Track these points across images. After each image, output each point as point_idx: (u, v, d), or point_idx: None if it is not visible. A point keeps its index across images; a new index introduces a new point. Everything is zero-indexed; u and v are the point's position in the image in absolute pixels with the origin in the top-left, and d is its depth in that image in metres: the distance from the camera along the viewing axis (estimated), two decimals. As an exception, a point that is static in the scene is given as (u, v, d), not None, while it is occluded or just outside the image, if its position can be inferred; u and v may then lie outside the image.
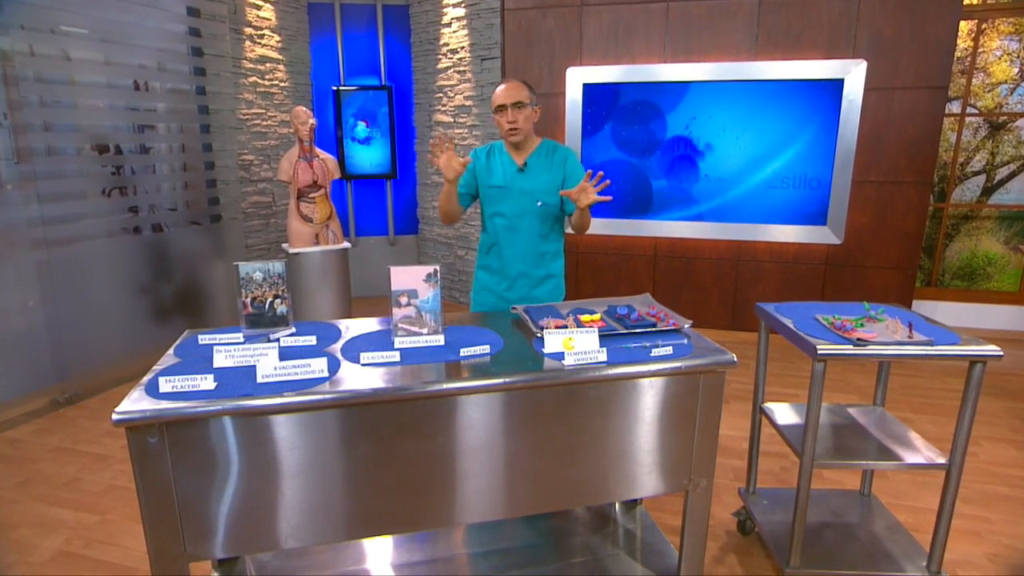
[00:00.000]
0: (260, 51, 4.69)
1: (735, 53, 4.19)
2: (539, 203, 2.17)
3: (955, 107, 4.57)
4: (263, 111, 4.79)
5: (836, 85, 3.99)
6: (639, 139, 4.44)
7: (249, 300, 1.71)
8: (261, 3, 4.67)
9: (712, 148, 4.32)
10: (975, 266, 4.78)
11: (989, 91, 4.52)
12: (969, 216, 4.74)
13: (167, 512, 1.34)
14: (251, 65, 4.63)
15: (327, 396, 1.37)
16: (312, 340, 1.71)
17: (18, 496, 2.56)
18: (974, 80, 4.51)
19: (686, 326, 1.79)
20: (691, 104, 4.29)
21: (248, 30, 4.58)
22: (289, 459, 1.39)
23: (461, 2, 4.81)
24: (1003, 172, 4.62)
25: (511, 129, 2.13)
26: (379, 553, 1.95)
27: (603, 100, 4.45)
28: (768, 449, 2.86)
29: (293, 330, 1.77)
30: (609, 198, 2.01)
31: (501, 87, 2.13)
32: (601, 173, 1.97)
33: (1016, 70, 4.44)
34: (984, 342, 1.70)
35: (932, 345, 1.70)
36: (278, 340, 1.68)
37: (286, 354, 1.56)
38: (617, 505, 2.21)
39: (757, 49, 4.15)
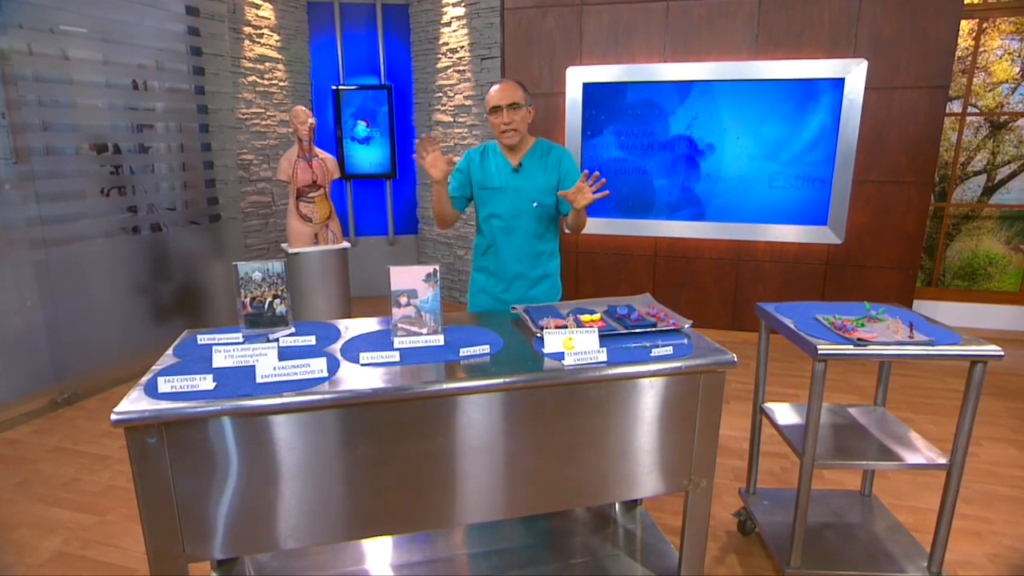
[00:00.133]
0: (259, 50, 4.69)
1: (735, 52, 4.18)
2: (535, 203, 2.16)
3: (956, 106, 4.56)
4: (262, 110, 4.78)
5: (837, 84, 3.99)
6: (639, 139, 4.44)
7: (248, 300, 1.70)
8: (260, 2, 4.66)
9: (712, 147, 4.31)
10: (976, 266, 4.78)
11: (990, 90, 4.52)
12: (970, 216, 4.73)
13: (166, 513, 1.33)
14: (250, 64, 4.62)
15: (326, 396, 1.37)
16: (311, 340, 1.70)
17: (16, 496, 2.56)
18: (975, 79, 4.51)
19: (686, 326, 1.78)
20: (691, 104, 4.29)
21: (247, 29, 4.57)
22: (288, 459, 1.39)
23: (461, 1, 4.80)
24: (1004, 172, 4.62)
25: (506, 131, 2.11)
26: (379, 554, 1.95)
27: (603, 100, 4.44)
28: (768, 449, 2.86)
29: (292, 330, 1.76)
30: (607, 193, 1.99)
31: (495, 88, 2.10)
32: (597, 173, 1.96)
33: (1017, 69, 4.43)
34: (985, 342, 1.70)
35: (933, 345, 1.69)
36: (277, 340, 1.67)
37: (285, 354, 1.56)
38: (617, 505, 2.21)
39: (757, 48, 4.14)
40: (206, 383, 1.36)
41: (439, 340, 1.67)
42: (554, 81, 4.52)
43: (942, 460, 1.82)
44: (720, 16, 4.17)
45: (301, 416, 1.37)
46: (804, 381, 3.70)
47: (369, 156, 5.45)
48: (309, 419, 1.38)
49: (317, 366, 1.44)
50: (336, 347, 1.66)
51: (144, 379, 1.43)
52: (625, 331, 1.73)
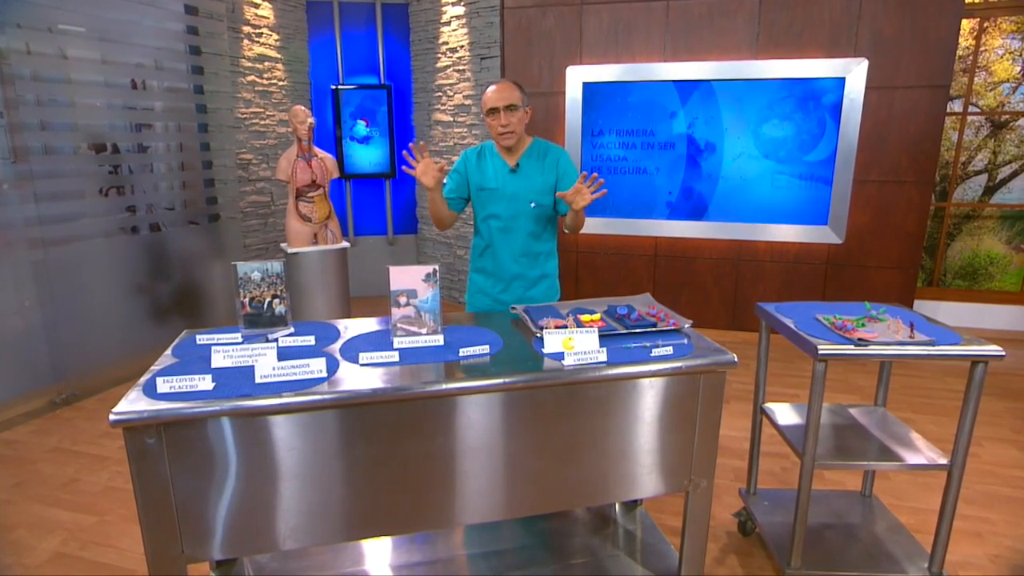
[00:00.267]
0: (258, 50, 4.68)
1: (736, 52, 4.18)
2: (532, 204, 2.16)
3: (957, 106, 4.56)
4: (261, 110, 4.78)
5: (837, 84, 3.98)
6: (639, 138, 4.43)
7: (247, 300, 1.70)
8: (259, 1, 4.65)
9: (712, 147, 4.31)
10: (977, 266, 4.78)
11: (991, 90, 4.51)
12: (971, 216, 4.73)
13: (165, 513, 1.33)
14: (249, 64, 4.62)
15: (326, 396, 1.36)
16: (311, 340, 1.70)
17: (15, 497, 2.55)
18: (976, 79, 4.50)
19: (686, 326, 1.78)
20: (691, 103, 4.28)
21: (246, 28, 4.56)
22: (287, 460, 1.38)
23: (460, 0, 4.80)
24: (1005, 171, 4.61)
25: (503, 133, 2.10)
26: (378, 554, 1.94)
27: (603, 99, 4.43)
28: (769, 449, 2.85)
29: (291, 330, 1.75)
30: (605, 192, 1.99)
31: (492, 89, 2.08)
32: (596, 175, 1.96)
33: (1018, 69, 4.43)
34: (986, 342, 1.69)
35: (934, 345, 1.69)
36: (276, 340, 1.67)
37: (284, 354, 1.55)
38: (617, 506, 2.21)
39: (758, 48, 4.14)
40: (205, 383, 1.35)
41: (439, 340, 1.67)
42: (554, 80, 4.51)
43: (943, 460, 1.81)
44: (720, 15, 4.16)
45: (300, 416, 1.37)
46: (804, 381, 3.70)
47: (368, 156, 5.44)
48: (308, 419, 1.38)
49: (316, 366, 1.44)
50: (335, 347, 1.66)
51: (143, 379, 1.42)
52: (625, 331, 1.72)
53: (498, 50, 4.62)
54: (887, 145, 4.06)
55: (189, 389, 1.34)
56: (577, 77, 4.43)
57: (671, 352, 1.58)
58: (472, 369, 1.51)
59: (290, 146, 4.10)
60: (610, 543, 2.02)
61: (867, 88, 3.95)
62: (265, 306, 1.72)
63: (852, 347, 1.69)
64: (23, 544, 2.25)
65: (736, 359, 1.58)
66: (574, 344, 1.57)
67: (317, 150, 4.03)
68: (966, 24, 4.40)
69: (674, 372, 1.55)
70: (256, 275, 1.69)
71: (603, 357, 1.54)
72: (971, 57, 4.46)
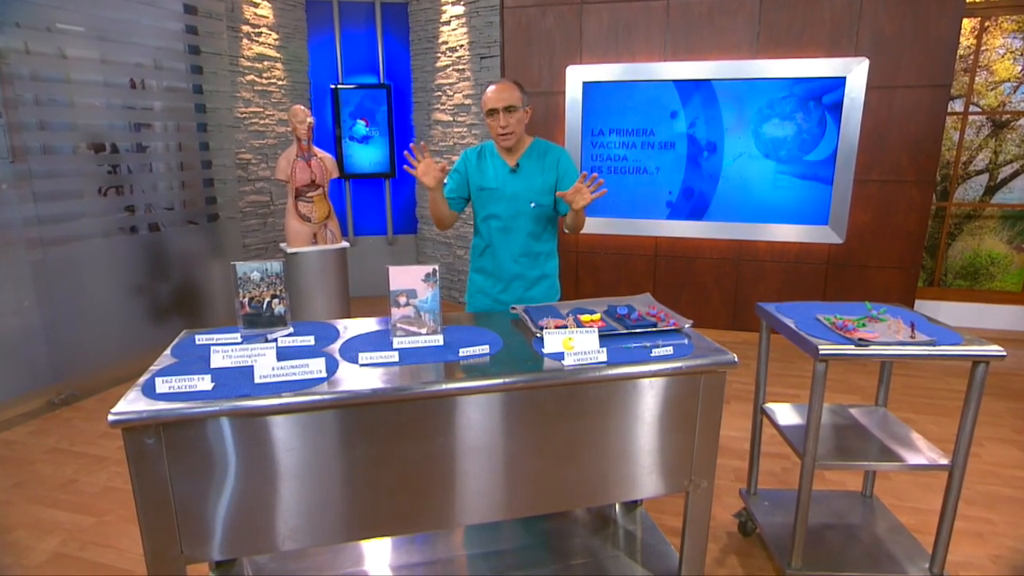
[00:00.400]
0: (258, 49, 4.67)
1: (736, 51, 4.17)
2: (532, 204, 2.15)
3: (958, 105, 4.55)
4: (261, 110, 4.77)
5: (838, 83, 3.98)
6: (639, 138, 4.42)
7: (247, 300, 1.69)
8: (259, 1, 4.65)
9: (713, 147, 4.30)
10: (978, 266, 4.77)
11: (992, 89, 4.51)
12: (972, 215, 4.73)
13: (164, 514, 1.33)
14: (248, 63, 4.61)
15: (325, 397, 1.36)
16: (310, 340, 1.69)
17: (13, 498, 2.55)
18: (977, 78, 4.50)
19: (686, 326, 1.77)
20: (691, 103, 4.28)
21: (245, 28, 4.56)
22: (287, 460, 1.38)
23: (460, 0, 4.79)
24: (1006, 171, 4.61)
25: (503, 134, 2.09)
26: (378, 555, 1.94)
27: (603, 99, 4.43)
28: (769, 450, 2.85)
29: (291, 330, 1.75)
30: (604, 192, 1.98)
31: (491, 89, 2.07)
32: (596, 175, 1.95)
33: (1019, 68, 4.42)
34: (987, 342, 1.69)
35: (934, 345, 1.68)
36: (276, 340, 1.66)
37: (284, 354, 1.55)
38: (617, 506, 2.20)
39: (758, 47, 4.13)
40: (204, 383, 1.35)
41: (438, 340, 1.66)
42: (554, 80, 4.51)
43: (944, 461, 1.81)
44: (721, 14, 4.16)
45: (300, 417, 1.36)
46: (805, 381, 3.70)
47: (368, 155, 5.44)
48: (308, 420, 1.37)
49: (316, 366, 1.43)
50: (335, 347, 1.65)
51: (142, 379, 1.42)
52: (625, 331, 1.72)
53: (498, 50, 4.62)
54: (888, 145, 4.06)
55: (188, 389, 1.34)
56: (577, 77, 4.42)
57: (671, 352, 1.58)
58: (472, 369, 1.51)
59: (289, 146, 4.10)
60: (610, 543, 2.02)
61: (868, 87, 3.94)
62: (264, 306, 1.71)
63: (853, 347, 1.69)
64: (22, 545, 2.25)
65: (736, 359, 1.58)
66: (574, 344, 1.56)
67: (316, 150, 4.02)
68: (967, 23, 4.40)
69: (674, 372, 1.55)
70: (255, 275, 1.69)
71: (603, 357, 1.54)
72: (972, 56, 4.46)
